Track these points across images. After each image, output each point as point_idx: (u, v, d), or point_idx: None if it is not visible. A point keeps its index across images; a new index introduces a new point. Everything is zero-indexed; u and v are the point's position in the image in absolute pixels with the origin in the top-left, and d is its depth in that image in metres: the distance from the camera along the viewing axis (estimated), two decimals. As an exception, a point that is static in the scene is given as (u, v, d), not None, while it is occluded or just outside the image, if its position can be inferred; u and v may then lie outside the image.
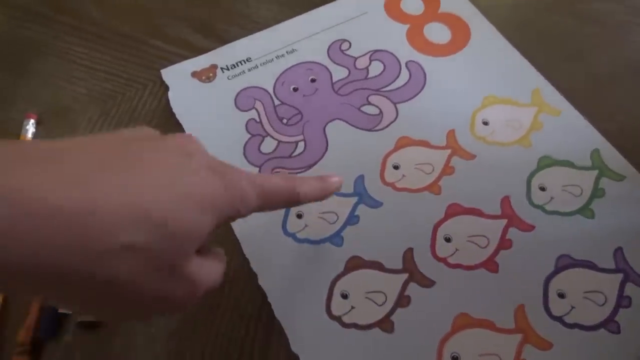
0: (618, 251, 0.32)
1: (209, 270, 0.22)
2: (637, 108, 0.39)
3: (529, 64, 0.41)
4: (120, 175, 0.18)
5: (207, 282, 0.21)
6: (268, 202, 0.24)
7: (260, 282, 0.32)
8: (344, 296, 0.32)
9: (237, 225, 0.34)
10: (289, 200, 0.26)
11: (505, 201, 0.34)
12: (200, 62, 0.42)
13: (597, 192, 0.35)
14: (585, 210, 0.34)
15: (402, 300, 0.31)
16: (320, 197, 0.28)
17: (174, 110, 0.39)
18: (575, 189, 0.35)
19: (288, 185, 0.25)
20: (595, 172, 0.35)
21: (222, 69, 0.42)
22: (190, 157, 0.21)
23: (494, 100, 0.39)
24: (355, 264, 0.33)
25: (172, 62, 0.42)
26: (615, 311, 0.31)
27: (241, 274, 0.33)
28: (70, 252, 0.17)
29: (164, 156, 0.20)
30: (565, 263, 0.32)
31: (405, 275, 0.32)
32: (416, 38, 0.43)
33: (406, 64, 0.41)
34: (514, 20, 0.43)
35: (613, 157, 0.36)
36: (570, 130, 0.37)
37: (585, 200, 0.34)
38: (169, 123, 0.39)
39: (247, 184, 0.23)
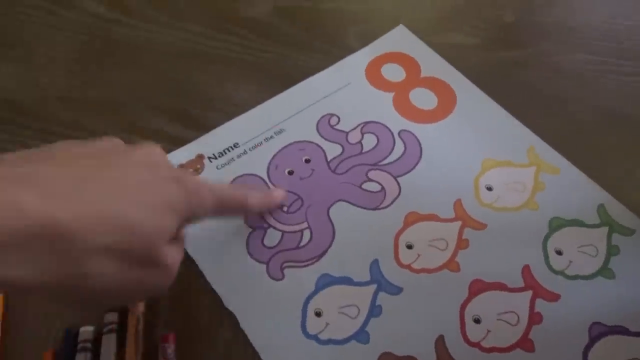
0: (646, 311, 0.32)
1: (176, 252, 0.26)
2: (627, 158, 0.39)
3: (519, 122, 0.41)
4: (93, 188, 0.22)
5: (177, 262, 0.26)
6: (223, 208, 0.30)
7: (288, 398, 0.29)
8: (382, 401, 0.29)
9: (253, 333, 0.32)
10: (240, 208, 0.33)
11: (527, 271, 0.34)
12: (186, 153, 0.39)
13: (612, 250, 0.34)
14: (605, 271, 0.34)
15: (444, 397, 0.29)
16: (266, 207, 0.35)
17: (164, 210, 0.36)
18: (590, 248, 0.35)
19: (240, 194, 0.32)
20: (606, 229, 0.35)
21: (209, 158, 0.39)
22: (155, 167, 0.25)
23: (492, 164, 0.39)
24: (387, 362, 0.31)
25: (154, 157, 0.39)
26: (658, 377, 0.30)
27: (266, 391, 0.30)
28: (55, 259, 0.21)
29: (132, 169, 0.24)
30: (598, 332, 0.31)
31: (441, 368, 0.30)
32: (403, 106, 0.42)
33: (399, 133, 0.40)
34: (491, 76, 0.44)
35: (619, 211, 0.36)
36: (573, 187, 0.37)
37: (603, 260, 0.34)
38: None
39: (205, 192, 0.27)
